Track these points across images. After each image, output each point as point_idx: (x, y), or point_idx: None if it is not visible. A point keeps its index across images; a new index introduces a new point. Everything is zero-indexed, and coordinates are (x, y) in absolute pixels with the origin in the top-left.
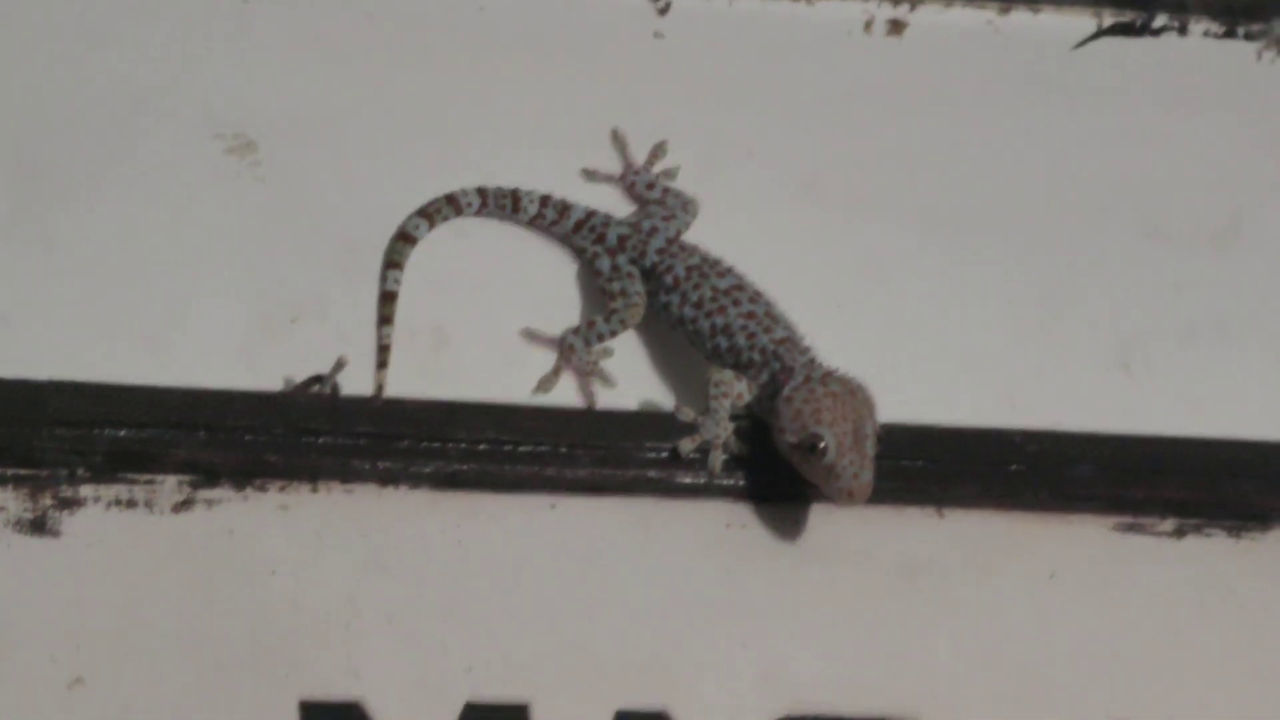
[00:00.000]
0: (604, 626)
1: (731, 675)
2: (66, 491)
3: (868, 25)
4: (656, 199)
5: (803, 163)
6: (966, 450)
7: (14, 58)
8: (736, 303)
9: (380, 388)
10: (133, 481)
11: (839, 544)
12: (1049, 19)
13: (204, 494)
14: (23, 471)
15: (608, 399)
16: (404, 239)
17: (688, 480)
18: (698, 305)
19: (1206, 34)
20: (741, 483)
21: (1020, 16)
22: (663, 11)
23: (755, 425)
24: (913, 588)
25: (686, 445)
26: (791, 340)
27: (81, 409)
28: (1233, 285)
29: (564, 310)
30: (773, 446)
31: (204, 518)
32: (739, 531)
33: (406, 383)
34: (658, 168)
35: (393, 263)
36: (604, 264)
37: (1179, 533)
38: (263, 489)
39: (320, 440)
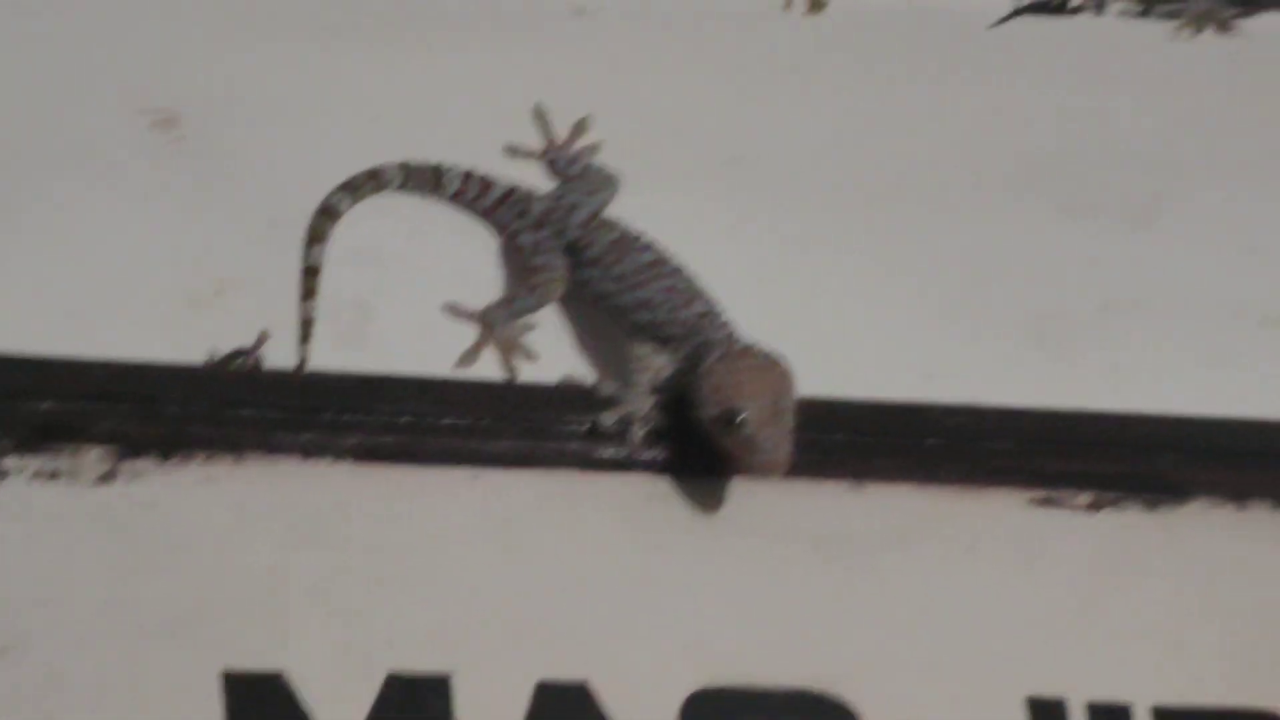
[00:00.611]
0: (525, 599)
1: (651, 647)
2: None
3: (788, 2)
4: (578, 175)
5: (725, 139)
6: (885, 424)
7: None
8: (658, 277)
9: (303, 361)
10: (57, 453)
11: (758, 517)
12: None
13: (128, 466)
14: None
15: (529, 373)
16: (327, 214)
17: (609, 454)
18: (619, 280)
19: (1123, 13)
20: (662, 456)
21: None
22: None
23: (676, 399)
24: (831, 561)
25: (607, 419)
26: (712, 315)
27: (5, 381)
28: (1150, 262)
29: (486, 285)
30: (693, 420)
31: (128, 490)
32: (660, 504)
33: (330, 356)
34: (579, 144)
35: (316, 237)
36: (526, 239)
37: (1095, 506)
38: (186, 461)
39: (244, 413)
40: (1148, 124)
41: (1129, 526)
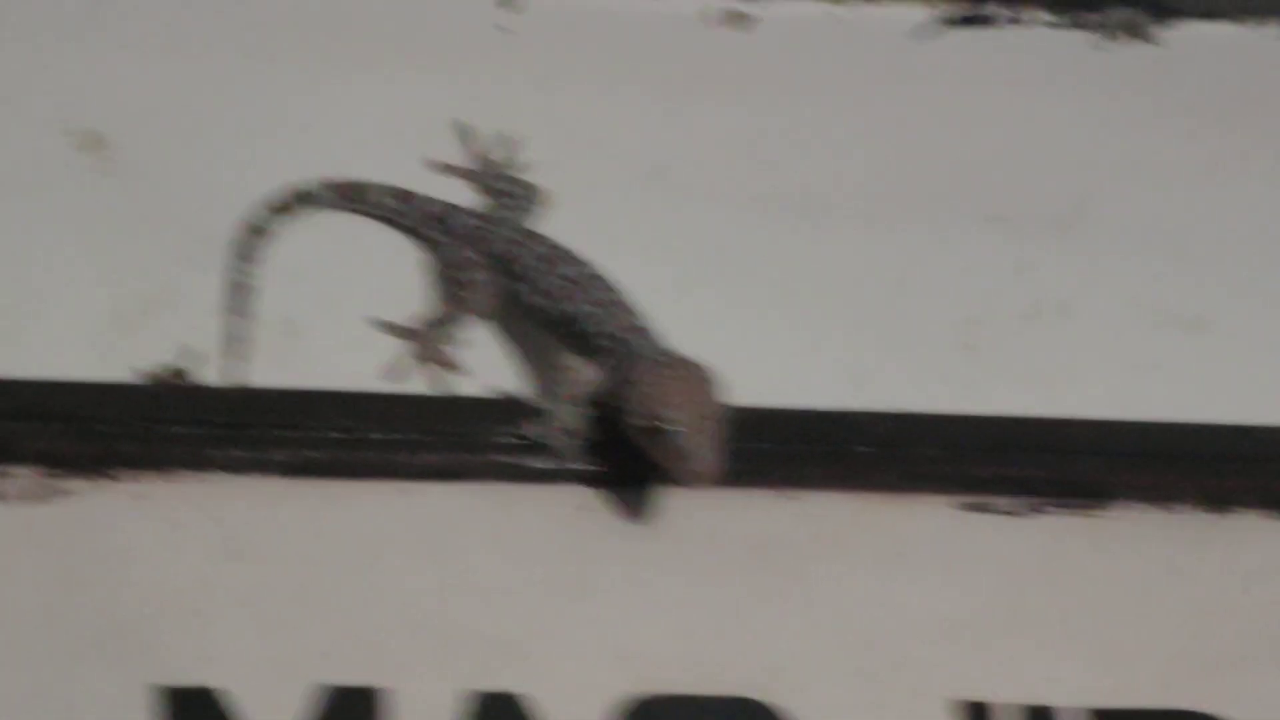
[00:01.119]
0: (456, 610)
1: (583, 655)
2: None
3: (711, 15)
4: (504, 190)
5: (649, 152)
6: (813, 432)
7: None
8: (584, 289)
9: (232, 377)
10: None
11: (688, 526)
12: (889, 9)
13: (57, 484)
14: None
15: (458, 386)
16: (254, 231)
17: (538, 465)
18: (546, 294)
19: (1042, 23)
20: (592, 467)
21: (861, 7)
22: (505, 2)
23: (604, 410)
24: (761, 568)
25: (537, 430)
26: (639, 326)
27: None
28: (1075, 267)
29: (413, 300)
30: (622, 431)
31: (58, 508)
32: (590, 514)
33: (258, 373)
34: (503, 159)
35: (243, 254)
36: (452, 254)
37: (1024, 510)
38: (116, 478)
39: (172, 430)
40: (1069, 131)
41: (1056, 530)
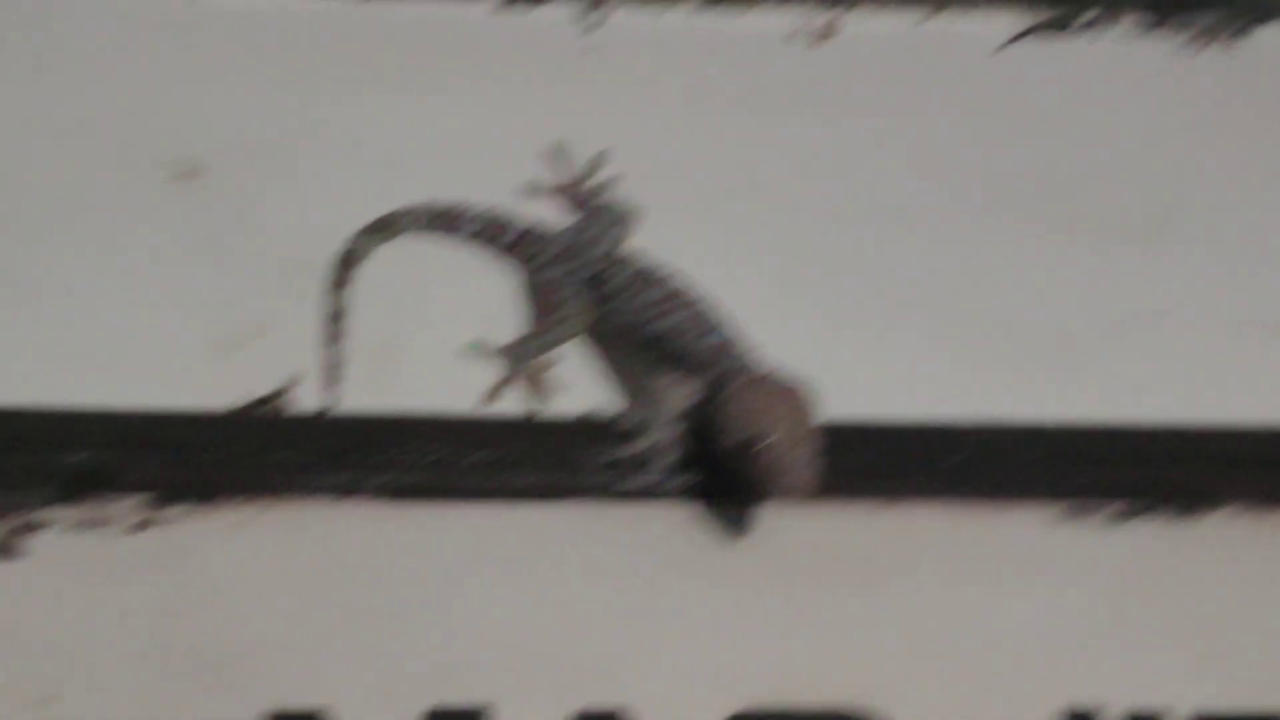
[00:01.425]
0: (557, 630)
1: (686, 672)
2: (28, 516)
3: (797, 33)
4: (596, 210)
5: (738, 167)
6: (909, 444)
7: None
8: (678, 308)
9: (331, 404)
10: (92, 503)
11: (785, 541)
12: (975, 20)
13: (161, 513)
14: None
15: (554, 407)
16: (349, 258)
17: (635, 484)
18: (640, 312)
19: (1132, 29)
20: (688, 485)
21: (947, 19)
22: (594, 27)
23: (699, 427)
24: (860, 581)
25: (632, 450)
26: (733, 343)
27: (39, 434)
28: (1165, 274)
29: (509, 322)
30: (717, 448)
31: (163, 536)
32: (687, 533)
33: (356, 398)
34: (596, 179)
35: (340, 281)
36: (546, 275)
37: (1121, 518)
38: (219, 506)
39: (274, 457)
40: (1156, 138)
41: (1154, 536)
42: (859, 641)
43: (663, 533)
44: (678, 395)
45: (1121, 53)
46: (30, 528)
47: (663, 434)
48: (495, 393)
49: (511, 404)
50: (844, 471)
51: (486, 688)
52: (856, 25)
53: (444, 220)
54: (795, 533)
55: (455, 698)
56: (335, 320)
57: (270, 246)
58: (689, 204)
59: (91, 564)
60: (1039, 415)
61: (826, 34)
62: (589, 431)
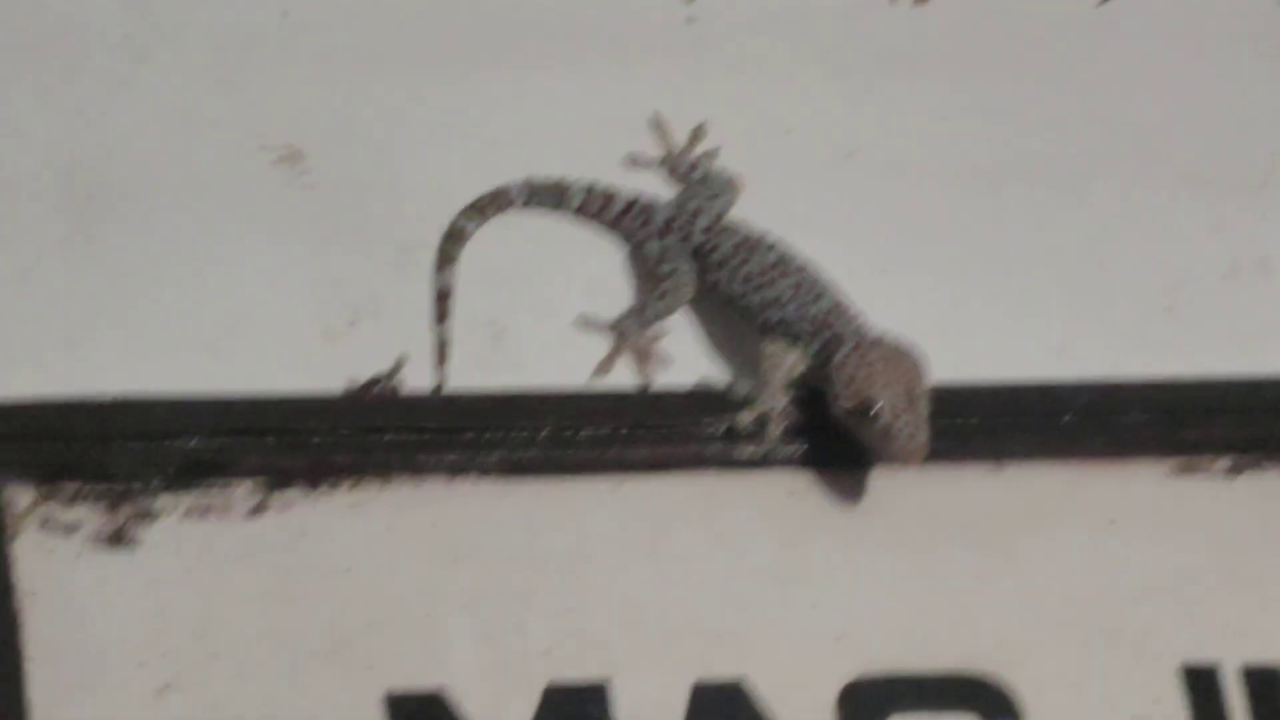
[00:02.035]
0: (675, 601)
1: (804, 640)
2: (142, 504)
3: None
4: (699, 180)
5: (840, 133)
6: (1019, 404)
7: (61, 80)
8: (784, 275)
9: (441, 382)
10: (206, 489)
11: (900, 505)
12: None
13: (276, 497)
14: (98, 487)
15: (664, 379)
16: (455, 236)
17: (747, 453)
18: (746, 280)
19: None
20: (800, 452)
21: None
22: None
23: (810, 394)
24: (975, 542)
25: (744, 419)
26: (840, 308)
27: (151, 422)
28: (1272, 223)
29: (616, 295)
30: (829, 414)
31: (277, 520)
32: (801, 500)
33: (467, 376)
34: (698, 150)
35: (446, 259)
36: (652, 247)
37: (1234, 470)
38: (333, 489)
39: (386, 438)
40: (1260, 88)
41: (1269, 489)
42: (976, 604)
43: (777, 500)
44: (787, 363)
45: (1222, 2)
46: (145, 516)
47: (774, 402)
48: (605, 366)
49: (622, 377)
50: (956, 433)
51: (605, 663)
52: None
53: (548, 195)
54: (909, 496)
55: (574, 674)
56: (443, 299)
57: (376, 227)
58: (791, 171)
59: (207, 551)
60: (1150, 371)
61: None
62: (700, 402)
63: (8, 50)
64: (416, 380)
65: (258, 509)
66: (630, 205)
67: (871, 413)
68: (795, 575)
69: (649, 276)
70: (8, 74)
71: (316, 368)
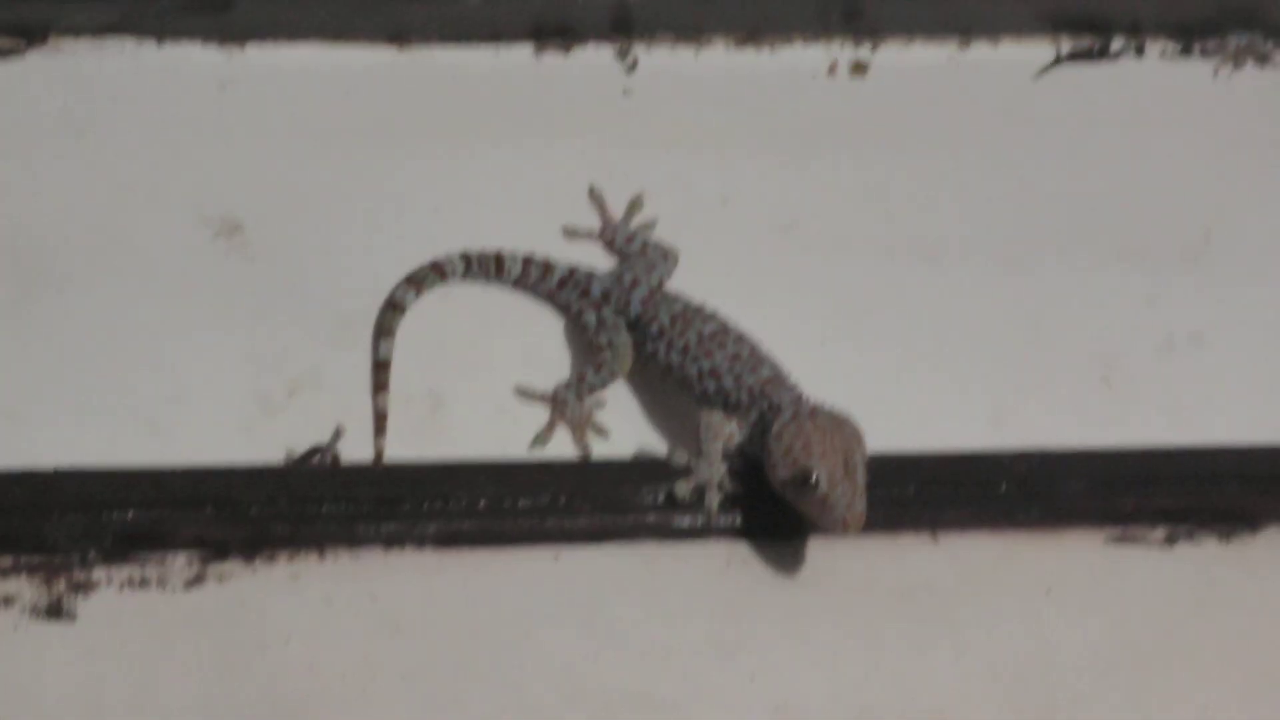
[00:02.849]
0: (614, 670)
1: (742, 709)
2: (79, 575)
3: (831, 68)
4: (637, 251)
5: (778, 206)
6: (956, 474)
7: (4, 156)
8: (722, 346)
9: (379, 453)
10: (144, 561)
11: (837, 574)
12: (1009, 50)
13: (214, 569)
14: (35, 559)
15: (602, 449)
16: (393, 308)
17: (686, 523)
18: (684, 351)
19: (1163, 54)
20: (738, 521)
21: (981, 50)
22: (630, 69)
23: (748, 464)
24: (912, 612)
25: (682, 488)
26: (778, 379)
27: (88, 494)
28: (1205, 297)
29: (554, 366)
30: (766, 484)
31: (216, 592)
32: (739, 569)
33: (405, 447)
34: (636, 221)
35: (384, 331)
36: (590, 318)
37: (1170, 540)
38: (271, 560)
39: (324, 509)
40: (1194, 161)
41: (1206, 560)
42: (915, 674)
43: (716, 570)
44: (725, 432)
45: (1158, 75)
46: (83, 588)
47: (712, 472)
48: (544, 437)
49: (560, 448)
50: (893, 503)
51: None
52: (890, 57)
53: (485, 267)
54: (847, 566)
55: None
56: (381, 370)
57: (314, 300)
58: (728, 243)
59: (145, 622)
60: (1087, 441)
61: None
62: (638, 472)
63: None
64: (355, 451)
65: (196, 580)
66: (568, 276)
67: (809, 482)
68: (734, 645)
69: (587, 347)
70: None
71: (255, 439)
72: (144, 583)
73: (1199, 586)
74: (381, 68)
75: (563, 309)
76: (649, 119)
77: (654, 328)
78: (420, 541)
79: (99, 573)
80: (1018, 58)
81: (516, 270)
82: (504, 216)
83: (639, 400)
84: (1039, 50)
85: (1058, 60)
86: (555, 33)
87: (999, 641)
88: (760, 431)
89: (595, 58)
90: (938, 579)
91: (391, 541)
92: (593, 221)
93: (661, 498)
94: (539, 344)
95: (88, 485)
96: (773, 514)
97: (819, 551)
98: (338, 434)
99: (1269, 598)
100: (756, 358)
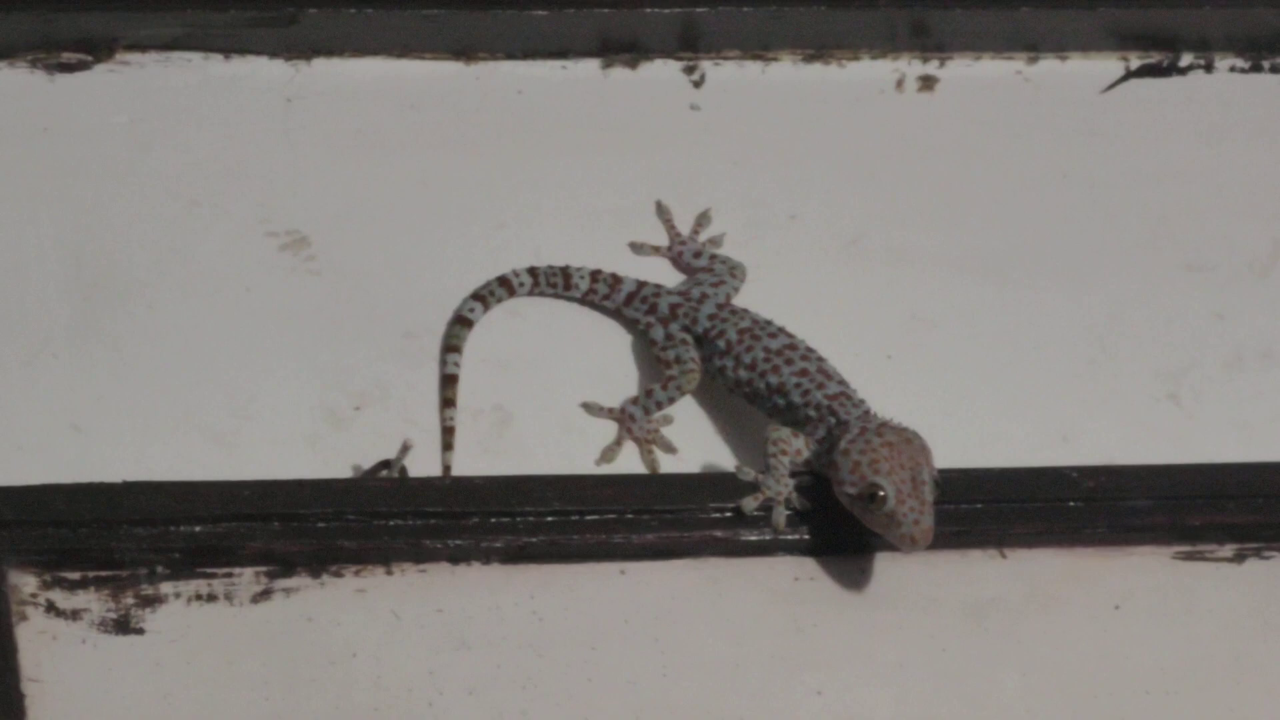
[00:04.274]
0: (680, 686)
1: None
2: (147, 589)
3: (899, 83)
4: (704, 266)
5: (844, 220)
6: (1024, 489)
7: (71, 169)
8: (789, 361)
9: (447, 468)
10: (211, 575)
11: (905, 590)
12: (1077, 65)
13: (281, 583)
14: (104, 573)
15: (670, 464)
16: (460, 322)
17: (753, 538)
18: (751, 367)
19: (1233, 69)
20: (806, 537)
21: (1048, 64)
22: (698, 84)
23: (815, 480)
24: (980, 628)
25: (750, 504)
26: (845, 394)
27: (157, 508)
28: (1275, 312)
29: (621, 381)
30: (834, 499)
31: (283, 606)
32: (806, 584)
33: (472, 461)
34: (703, 236)
35: (451, 346)
36: (658, 333)
37: (1239, 557)
38: (338, 574)
39: (391, 523)
40: (1263, 175)
41: (1275, 576)
42: (981, 689)
43: (784, 586)
44: (793, 448)
45: (1226, 89)
46: (150, 602)
47: (779, 487)
48: (610, 453)
49: (627, 463)
50: (961, 519)
51: None
52: (959, 71)
53: (553, 282)
54: (915, 581)
55: None
56: (449, 385)
57: (381, 314)
58: (796, 257)
59: (212, 637)
60: (1154, 457)
61: (926, 82)
62: (706, 487)
63: (13, 140)
64: (422, 466)
65: (262, 595)
66: (635, 292)
67: (876, 498)
68: (800, 660)
69: (654, 362)
70: (13, 163)
71: (322, 453)
72: (211, 597)
73: (1268, 603)
74: (447, 82)
75: (630, 324)
76: (716, 134)
77: (721, 343)
78: (487, 556)
79: (167, 587)
80: (1085, 73)
81: (584, 285)
82: (571, 232)
83: (706, 416)
84: (1106, 65)
85: (1126, 76)
86: (623, 48)
87: (1067, 658)
88: (827, 447)
89: (662, 73)
90: (1005, 595)
91: (458, 556)
92: (660, 237)
93: (729, 513)
94: (606, 359)
95: (155, 499)
96: (840, 529)
97: (886, 567)
98: (405, 448)
99: None
100: (824, 373)
